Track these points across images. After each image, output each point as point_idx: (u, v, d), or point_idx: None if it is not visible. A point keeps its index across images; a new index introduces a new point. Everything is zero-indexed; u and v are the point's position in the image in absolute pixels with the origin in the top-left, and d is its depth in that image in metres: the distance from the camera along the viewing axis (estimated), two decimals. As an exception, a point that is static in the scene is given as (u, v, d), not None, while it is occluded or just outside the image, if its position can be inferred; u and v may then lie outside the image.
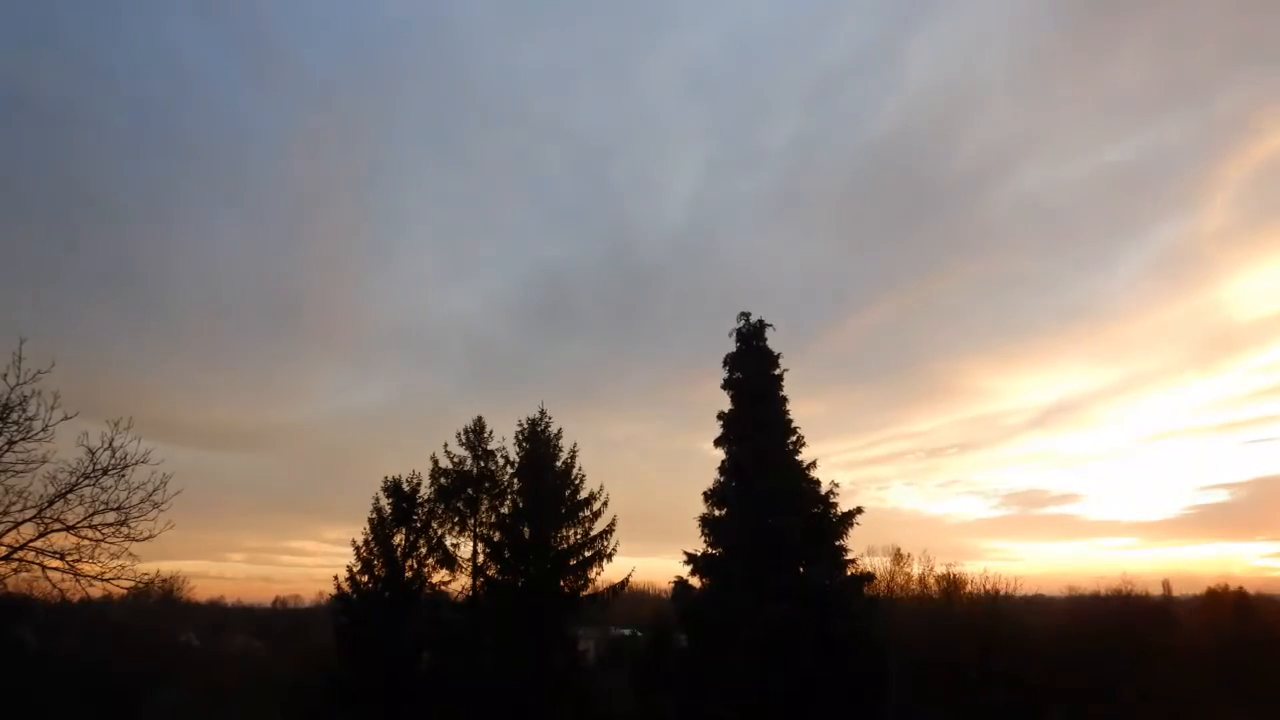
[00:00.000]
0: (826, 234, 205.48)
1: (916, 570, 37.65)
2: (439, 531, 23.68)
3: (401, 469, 26.10)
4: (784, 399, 21.33)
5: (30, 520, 12.85)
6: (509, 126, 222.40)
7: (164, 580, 42.28)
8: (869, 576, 21.62)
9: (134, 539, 13.33)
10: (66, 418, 12.68)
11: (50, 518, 12.95)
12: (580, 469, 24.46)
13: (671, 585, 21.44)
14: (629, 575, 23.85)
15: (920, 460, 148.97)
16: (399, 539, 23.28)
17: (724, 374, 21.92)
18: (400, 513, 23.48)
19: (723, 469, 21.23)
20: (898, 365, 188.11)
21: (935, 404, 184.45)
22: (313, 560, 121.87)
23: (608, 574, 23.47)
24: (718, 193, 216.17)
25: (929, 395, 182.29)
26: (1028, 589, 44.65)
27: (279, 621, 69.00)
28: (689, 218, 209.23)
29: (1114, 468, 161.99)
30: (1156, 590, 54.62)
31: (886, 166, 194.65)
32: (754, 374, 21.51)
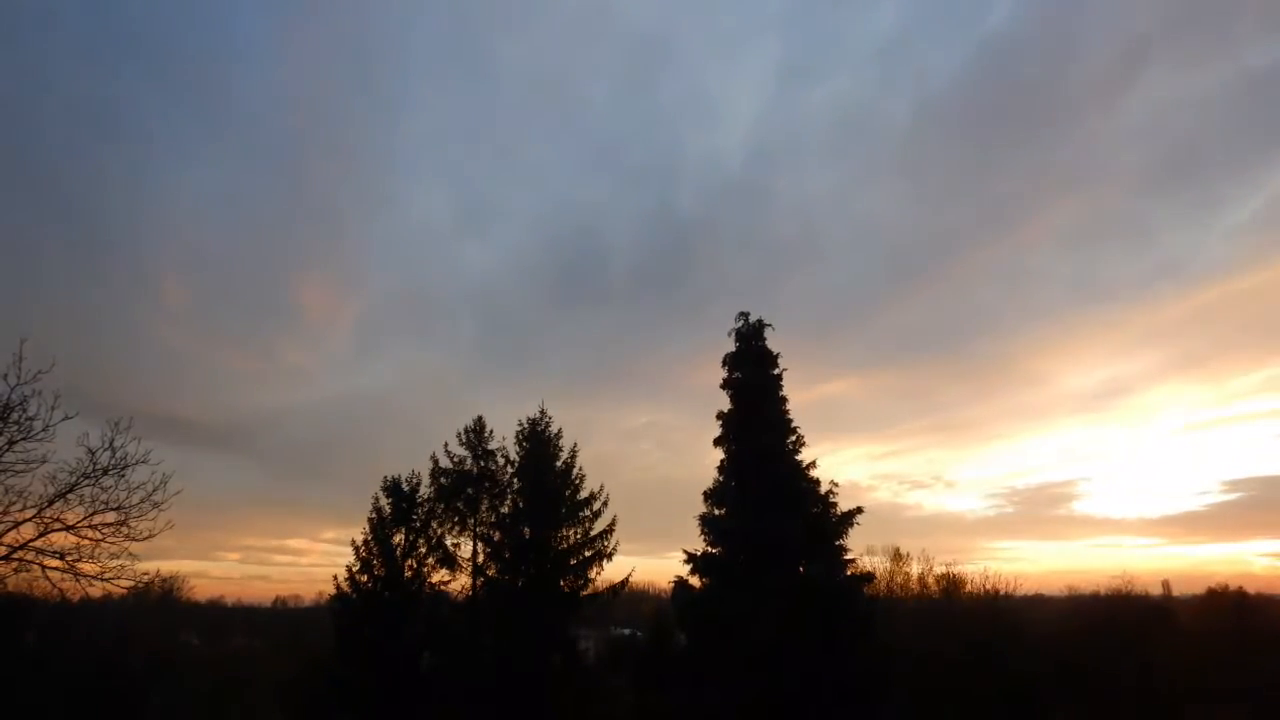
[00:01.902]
0: (902, 169, 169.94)
1: (916, 570, 37.67)
2: (439, 531, 23.69)
3: (400, 467, 26.08)
4: (784, 399, 21.32)
5: (30, 520, 12.87)
6: (538, 27, 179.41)
7: (164, 580, 42.40)
8: (869, 576, 21.58)
9: (134, 539, 13.37)
10: (67, 417, 12.71)
11: (50, 518, 12.98)
12: (580, 469, 24.54)
13: (671, 585, 21.45)
14: (629, 575, 23.92)
15: (952, 450, 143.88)
16: (399, 539, 23.29)
17: (723, 374, 21.95)
18: (400, 512, 23.49)
19: (722, 469, 21.22)
20: (952, 341, 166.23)
21: (982, 388, 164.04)
22: (308, 560, 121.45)
23: (608, 574, 23.55)
24: (786, 110, 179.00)
25: (977, 377, 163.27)
26: (1028, 588, 44.75)
27: (279, 621, 68.98)
28: (748, 147, 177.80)
29: (1144, 460, 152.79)
30: (1156, 589, 54.76)
31: (992, 75, 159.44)
32: (753, 374, 21.51)
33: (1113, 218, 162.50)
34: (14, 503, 12.76)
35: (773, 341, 22.02)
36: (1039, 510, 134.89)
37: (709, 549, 20.66)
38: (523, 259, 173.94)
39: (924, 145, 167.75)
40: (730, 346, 22.06)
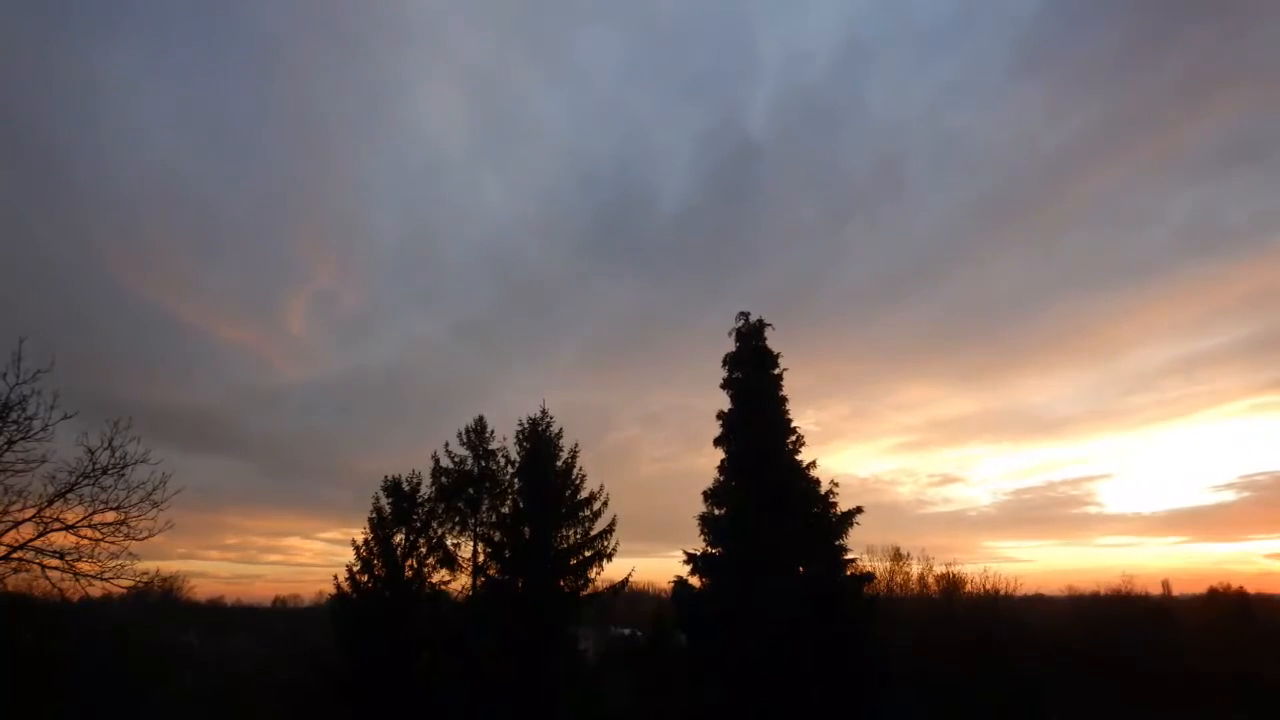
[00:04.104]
0: (1013, 73, 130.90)
1: (916, 570, 37.67)
2: (439, 531, 23.68)
3: (402, 460, 26.04)
4: (784, 399, 21.36)
5: (30, 520, 12.86)
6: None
7: (163, 580, 42.31)
8: (868, 576, 21.60)
9: (133, 538, 13.36)
10: (66, 417, 12.69)
11: (50, 517, 12.96)
12: (581, 469, 24.53)
13: (671, 585, 21.45)
14: (629, 575, 23.90)
15: (993, 440, 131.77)
16: (399, 539, 23.29)
17: (723, 373, 21.99)
18: (400, 512, 23.49)
19: (722, 469, 21.25)
20: (1028, 307, 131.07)
21: (1047, 366, 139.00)
22: (308, 560, 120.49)
23: (608, 574, 23.49)
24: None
25: (1044, 354, 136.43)
26: (1028, 588, 44.80)
27: (279, 621, 69.02)
28: (839, 42, 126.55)
29: (1178, 453, 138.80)
30: (1156, 589, 54.80)
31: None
32: (753, 374, 21.55)
33: (1249, 136, 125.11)
34: (13, 502, 12.78)
35: (773, 340, 22.12)
36: (1065, 509, 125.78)
37: (709, 549, 20.68)
38: (548, 198, 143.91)
39: (1048, 36, 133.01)
40: (731, 345, 22.15)
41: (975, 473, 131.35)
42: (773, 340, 22.04)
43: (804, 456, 20.82)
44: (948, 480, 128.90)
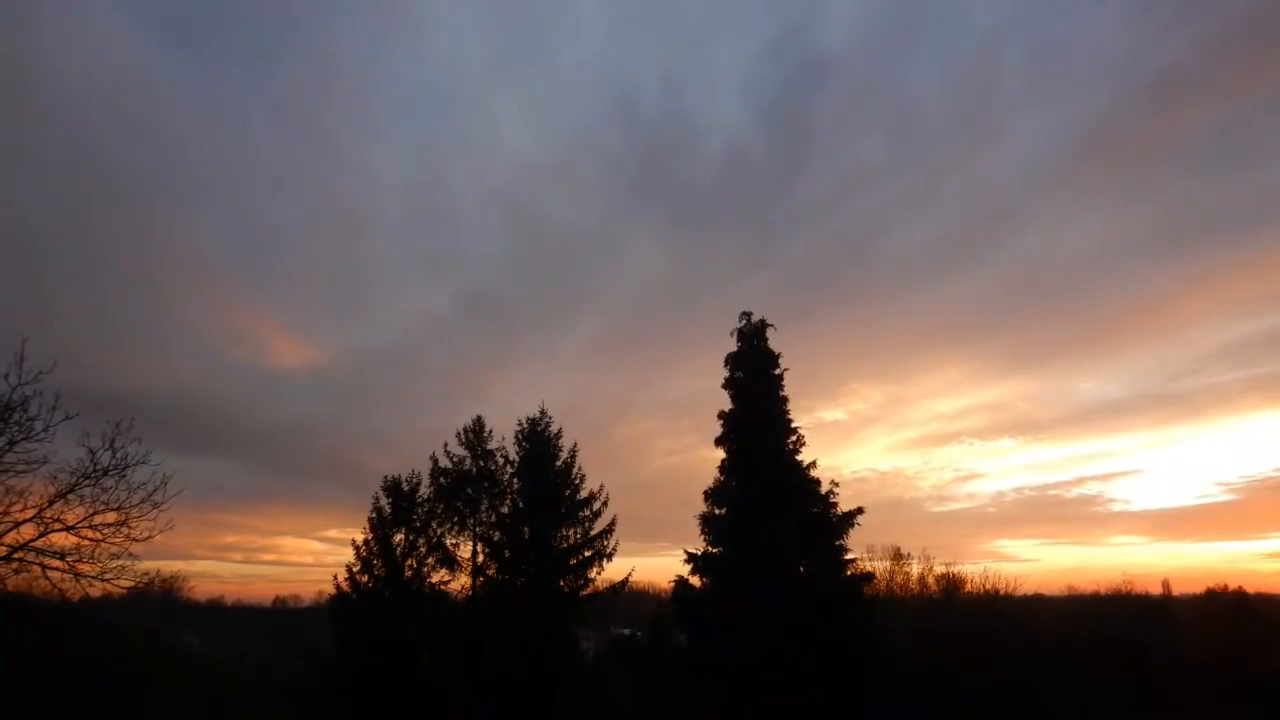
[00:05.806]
0: None
1: (916, 569, 37.65)
2: (439, 531, 23.72)
3: (402, 462, 26.01)
4: (784, 399, 21.39)
5: (31, 520, 12.87)
6: None
7: (163, 580, 42.18)
8: (868, 576, 21.61)
9: (134, 539, 13.36)
10: (68, 418, 12.69)
11: (51, 518, 12.97)
12: (580, 468, 24.58)
13: (671, 585, 21.47)
14: (629, 575, 23.95)
15: (1032, 433, 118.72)
16: (399, 539, 23.32)
17: (724, 373, 22.02)
18: (400, 512, 23.52)
19: (723, 468, 21.27)
20: (1106, 270, 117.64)
21: (1111, 349, 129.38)
22: (308, 560, 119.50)
23: (608, 574, 23.57)
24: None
25: (1115, 331, 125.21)
26: (1028, 588, 44.81)
27: (279, 621, 68.92)
28: None
29: (1212, 445, 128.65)
30: (1156, 588, 54.86)
31: None
32: (754, 374, 21.57)
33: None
34: (14, 503, 12.77)
35: (775, 339, 22.16)
36: (1088, 507, 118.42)
37: (709, 549, 20.70)
38: (574, 137, 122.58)
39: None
40: (732, 346, 22.17)
41: (1003, 464, 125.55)
42: (774, 340, 22.09)
43: (808, 456, 20.88)
44: (973, 476, 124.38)
